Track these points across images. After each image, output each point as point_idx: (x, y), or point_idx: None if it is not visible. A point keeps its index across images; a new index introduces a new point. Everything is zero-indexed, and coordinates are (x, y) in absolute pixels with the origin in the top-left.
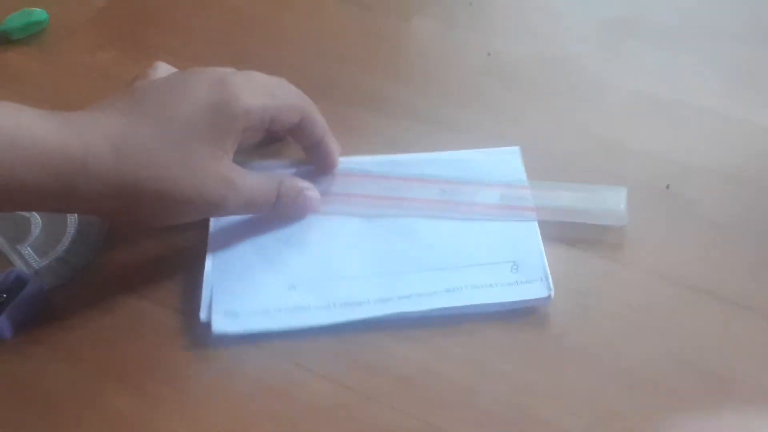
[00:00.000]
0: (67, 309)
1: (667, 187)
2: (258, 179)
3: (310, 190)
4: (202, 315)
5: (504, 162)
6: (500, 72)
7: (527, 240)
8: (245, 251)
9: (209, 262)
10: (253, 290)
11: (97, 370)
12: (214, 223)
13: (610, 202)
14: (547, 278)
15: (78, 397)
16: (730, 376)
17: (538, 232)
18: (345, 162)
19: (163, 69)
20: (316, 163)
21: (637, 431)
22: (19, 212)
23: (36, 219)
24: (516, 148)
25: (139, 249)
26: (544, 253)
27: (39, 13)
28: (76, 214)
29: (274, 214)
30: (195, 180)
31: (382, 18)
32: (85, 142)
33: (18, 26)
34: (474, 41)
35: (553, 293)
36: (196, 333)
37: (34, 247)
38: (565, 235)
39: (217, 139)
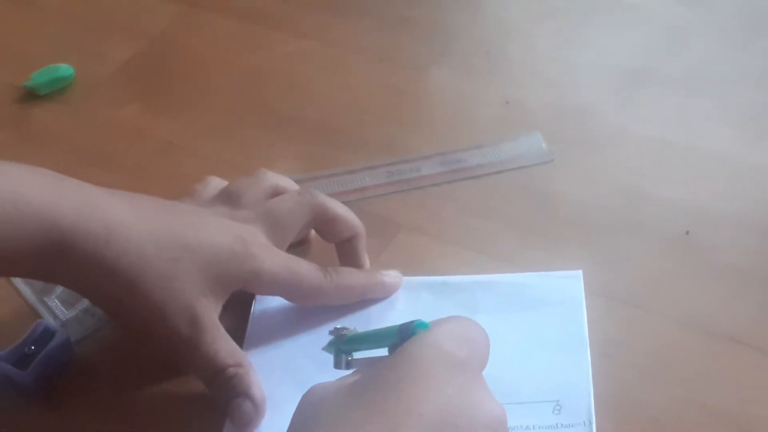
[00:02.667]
0: (92, 360)
1: (687, 233)
2: (222, 345)
3: (248, 400)
4: None
5: (563, 288)
6: (518, 120)
7: (576, 376)
8: (275, 370)
9: None
10: (274, 415)
11: (123, 421)
12: (251, 327)
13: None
14: (591, 423)
15: None
16: (753, 422)
17: (590, 366)
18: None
19: (214, 184)
20: None
21: None
22: None
23: None
24: (578, 273)
25: None
26: (592, 394)
27: (65, 69)
28: None
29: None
30: (167, 303)
31: (399, 70)
32: (76, 219)
33: (44, 82)
34: (492, 90)
35: None
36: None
37: (61, 299)
38: (586, 286)
39: (212, 282)
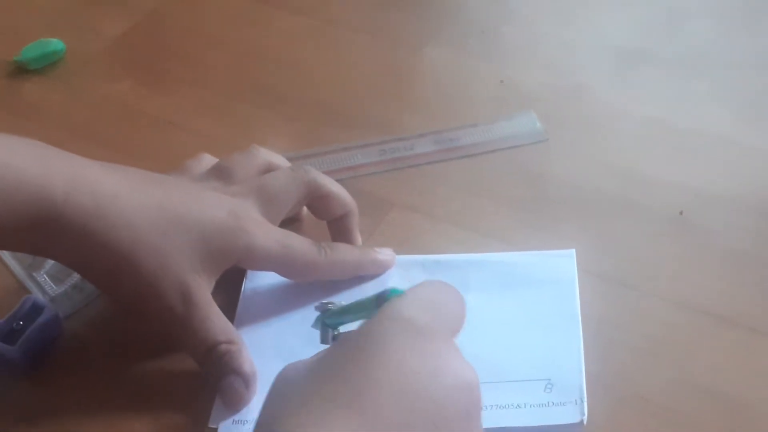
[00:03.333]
0: (81, 336)
1: (681, 213)
2: (215, 322)
3: (239, 377)
4: (212, 422)
5: (556, 266)
6: (513, 99)
7: (567, 354)
8: (265, 348)
9: None
10: (264, 394)
11: (112, 397)
12: (242, 305)
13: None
14: (582, 401)
15: (93, 424)
16: (748, 403)
17: (581, 345)
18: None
19: (206, 160)
20: None
21: None
22: None
23: None
24: (571, 252)
25: None
26: (584, 372)
27: (55, 44)
28: None
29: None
30: (158, 278)
31: (394, 48)
32: (67, 191)
33: (34, 57)
34: (487, 69)
35: (586, 419)
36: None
37: (50, 275)
38: (579, 265)
39: (205, 258)
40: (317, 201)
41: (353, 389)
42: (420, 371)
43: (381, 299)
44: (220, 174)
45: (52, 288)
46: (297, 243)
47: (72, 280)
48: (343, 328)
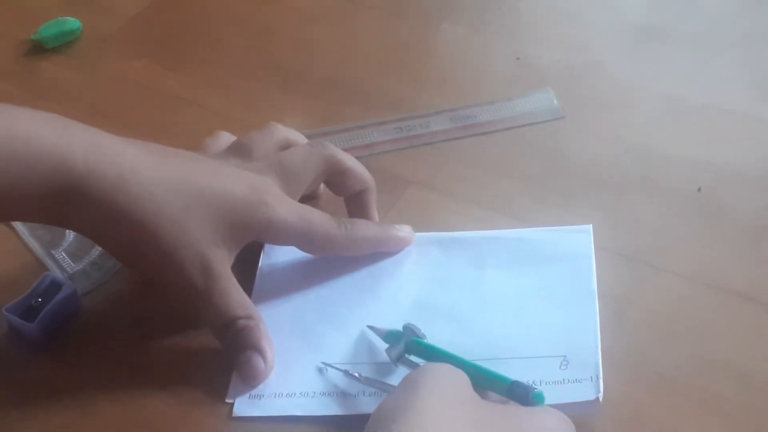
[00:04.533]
0: (99, 313)
1: (699, 190)
2: (238, 292)
3: (257, 353)
4: (229, 397)
5: (573, 242)
6: (530, 77)
7: (583, 331)
8: (282, 324)
9: None
10: (281, 369)
11: (130, 373)
12: (259, 281)
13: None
14: (598, 378)
15: (112, 400)
16: (763, 378)
17: (597, 321)
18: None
19: (225, 139)
20: None
21: None
22: None
23: None
24: (588, 227)
25: None
26: (599, 348)
27: (72, 23)
28: None
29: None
30: (179, 250)
31: (411, 25)
32: (89, 161)
33: (51, 35)
34: (503, 46)
35: (602, 396)
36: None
37: (68, 252)
38: (596, 243)
39: (225, 232)
40: (335, 177)
41: None
42: None
43: (518, 392)
44: (240, 151)
45: (71, 265)
46: (317, 217)
47: (90, 258)
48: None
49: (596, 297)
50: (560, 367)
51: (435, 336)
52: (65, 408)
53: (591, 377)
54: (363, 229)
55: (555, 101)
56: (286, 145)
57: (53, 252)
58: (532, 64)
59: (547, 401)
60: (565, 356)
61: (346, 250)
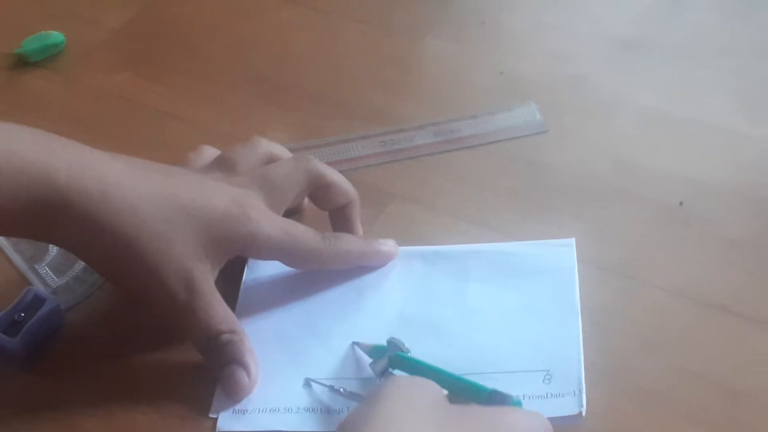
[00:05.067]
0: (82, 328)
1: (681, 204)
2: (218, 311)
3: (241, 367)
4: (212, 412)
5: (556, 256)
6: (513, 90)
7: (566, 345)
8: (266, 339)
9: None
10: (265, 384)
11: (114, 388)
12: (243, 295)
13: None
14: (581, 392)
15: (95, 416)
16: (745, 391)
17: (580, 335)
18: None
19: (208, 153)
20: None
21: None
22: None
23: None
24: (571, 241)
25: None
26: (582, 363)
27: (56, 36)
28: None
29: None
30: (162, 265)
31: (394, 38)
32: (71, 176)
33: (35, 49)
34: (487, 59)
35: (584, 410)
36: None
37: (52, 267)
38: (579, 256)
39: (209, 246)
40: (319, 191)
41: None
42: None
43: (497, 401)
44: (223, 165)
45: (54, 280)
46: (301, 232)
47: (73, 272)
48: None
49: (579, 311)
50: (543, 381)
51: (419, 350)
52: (48, 423)
53: (574, 391)
54: (347, 243)
55: (538, 115)
56: (270, 159)
57: (36, 266)
58: (516, 77)
59: None
60: (548, 370)
61: (330, 264)
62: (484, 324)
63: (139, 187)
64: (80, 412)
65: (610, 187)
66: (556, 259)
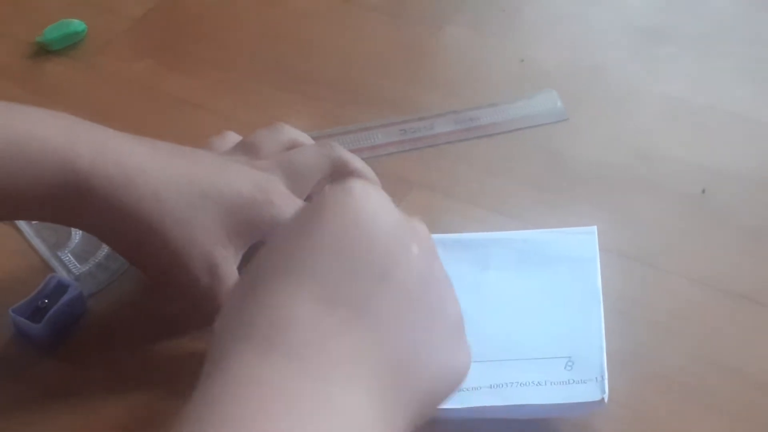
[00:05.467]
0: (105, 314)
1: (703, 192)
2: None
3: None
4: None
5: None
6: (533, 78)
7: (588, 332)
8: None
9: None
10: None
11: (136, 374)
12: None
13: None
14: (603, 378)
15: (117, 402)
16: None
17: (602, 323)
18: None
19: (231, 137)
20: None
21: None
22: None
23: None
24: (593, 228)
25: None
26: (604, 349)
27: (77, 24)
28: None
29: None
30: (185, 249)
31: (414, 27)
32: (94, 160)
33: (56, 37)
34: (507, 48)
35: (607, 396)
36: None
37: (75, 254)
38: (600, 244)
39: (231, 231)
40: (342, 178)
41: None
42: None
43: None
44: (247, 149)
45: (77, 267)
46: None
47: (96, 259)
48: None
49: (601, 298)
50: (565, 368)
51: None
52: (71, 409)
53: (596, 378)
54: None
55: (559, 103)
56: (293, 145)
57: (59, 253)
58: (536, 66)
59: (553, 401)
60: (570, 357)
61: None
62: (505, 311)
63: (162, 172)
64: (101, 398)
65: (631, 175)
66: (578, 247)
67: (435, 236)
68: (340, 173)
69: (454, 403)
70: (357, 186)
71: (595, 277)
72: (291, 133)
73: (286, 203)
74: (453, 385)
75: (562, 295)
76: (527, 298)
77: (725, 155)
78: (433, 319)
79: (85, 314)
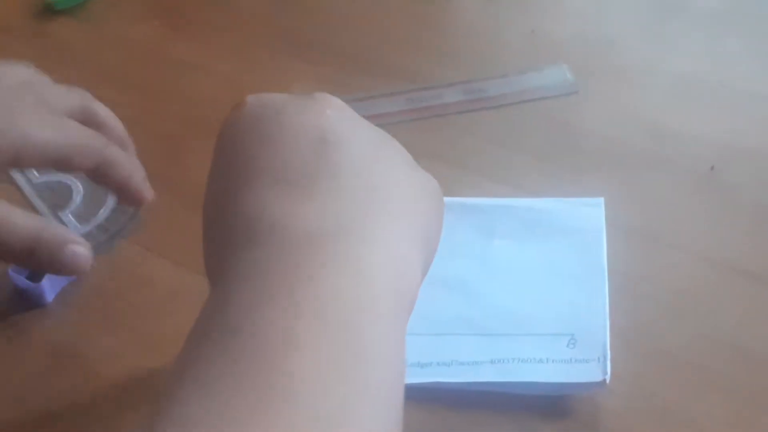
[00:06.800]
0: (104, 275)
1: (712, 168)
2: (14, 217)
3: (77, 244)
4: None
5: (584, 214)
6: (544, 50)
7: (592, 309)
8: None
9: None
10: None
11: (136, 337)
12: None
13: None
14: (605, 359)
15: (116, 364)
16: None
17: (607, 299)
18: None
19: (18, 71)
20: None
21: (678, 411)
22: (61, 179)
23: (77, 186)
24: (600, 200)
25: (179, 218)
26: (608, 328)
27: None
28: None
29: (32, 265)
30: None
31: None
32: None
33: None
34: (518, 19)
35: (609, 378)
36: None
37: (75, 214)
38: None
39: None
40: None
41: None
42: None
43: None
44: (37, 99)
45: (77, 227)
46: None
47: (97, 220)
48: None
49: (606, 273)
50: (567, 346)
51: (442, 307)
52: (69, 370)
53: (598, 358)
54: None
55: (569, 75)
56: (84, 113)
57: (59, 213)
58: (547, 37)
59: (554, 380)
60: (572, 334)
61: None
62: (509, 283)
63: None
64: (98, 359)
65: (640, 150)
66: (584, 218)
67: None
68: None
69: (455, 377)
70: (250, 99)
71: (600, 250)
72: (87, 101)
73: (35, 121)
74: (439, 207)
75: (567, 269)
76: (532, 270)
77: (735, 132)
78: (392, 164)
79: (84, 274)
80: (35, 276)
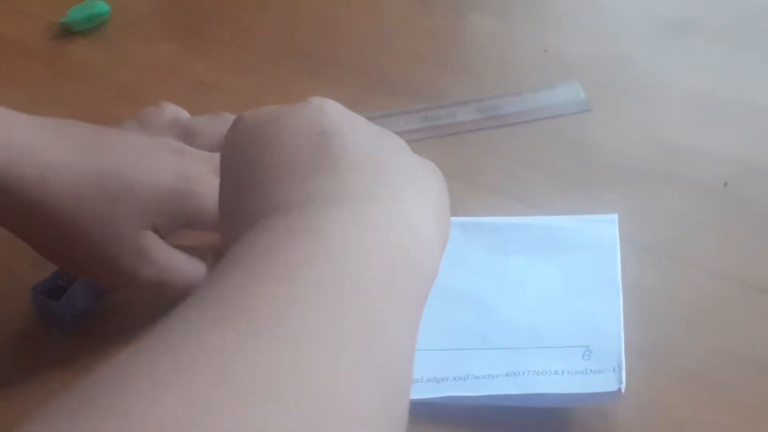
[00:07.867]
0: (124, 293)
1: (725, 185)
2: (181, 257)
3: None
4: None
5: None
6: (557, 68)
7: (606, 322)
8: None
9: None
10: None
11: None
12: None
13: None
14: (620, 369)
15: None
16: None
17: (621, 312)
18: None
19: (167, 111)
20: None
21: (692, 425)
22: None
23: None
24: (614, 217)
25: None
26: (622, 339)
27: (101, 6)
28: None
29: None
30: (110, 245)
31: (438, 14)
32: (9, 159)
33: (80, 18)
34: (531, 37)
35: (624, 387)
36: None
37: None
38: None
39: (156, 219)
40: None
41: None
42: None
43: None
44: (184, 133)
45: None
46: None
47: None
48: None
49: (620, 287)
50: (582, 358)
51: (457, 322)
52: None
53: (613, 368)
54: None
55: (582, 93)
56: None
57: None
58: (560, 55)
59: (569, 391)
60: (587, 346)
61: None
62: (524, 298)
63: (79, 168)
64: None
65: (654, 167)
66: (599, 234)
67: (454, 219)
68: None
69: (471, 390)
70: (247, 113)
71: (615, 265)
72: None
73: (207, 189)
74: (445, 190)
75: (581, 284)
76: (546, 285)
77: (749, 149)
78: (393, 151)
79: (105, 292)
80: (56, 294)
